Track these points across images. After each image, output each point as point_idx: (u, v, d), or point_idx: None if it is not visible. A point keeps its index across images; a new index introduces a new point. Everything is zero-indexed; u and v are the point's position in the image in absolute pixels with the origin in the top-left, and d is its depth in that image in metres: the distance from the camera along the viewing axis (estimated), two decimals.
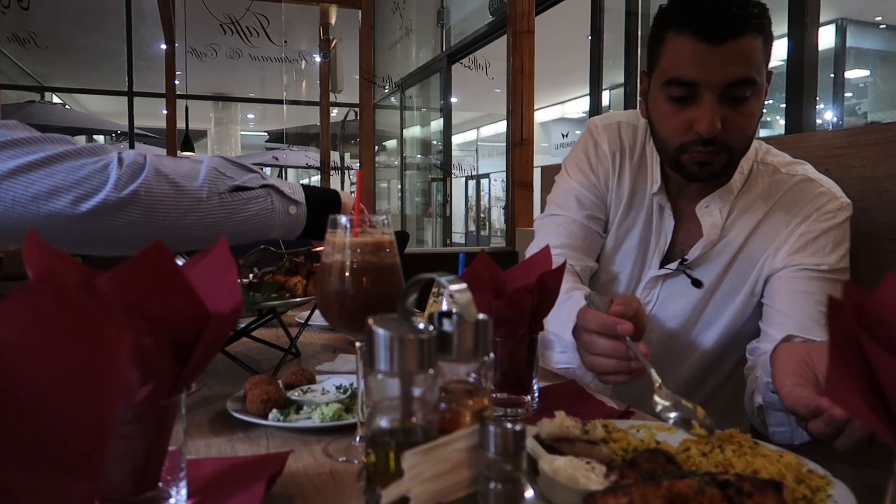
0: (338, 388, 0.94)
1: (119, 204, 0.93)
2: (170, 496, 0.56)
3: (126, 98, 9.02)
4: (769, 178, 1.15)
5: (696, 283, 1.15)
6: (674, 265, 1.18)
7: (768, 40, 1.03)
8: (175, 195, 0.98)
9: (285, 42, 8.77)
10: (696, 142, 1.04)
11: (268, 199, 1.05)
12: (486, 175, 13.69)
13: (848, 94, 7.50)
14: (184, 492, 0.58)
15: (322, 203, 1.10)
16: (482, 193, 13.95)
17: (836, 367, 0.39)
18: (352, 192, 1.10)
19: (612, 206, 1.25)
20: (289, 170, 15.22)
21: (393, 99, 8.45)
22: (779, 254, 1.12)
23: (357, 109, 7.75)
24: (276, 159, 12.04)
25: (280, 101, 10.51)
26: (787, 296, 1.10)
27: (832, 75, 6.88)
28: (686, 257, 1.16)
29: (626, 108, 4.52)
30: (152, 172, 0.96)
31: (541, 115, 12.12)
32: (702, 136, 1.02)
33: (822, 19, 2.79)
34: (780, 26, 3.26)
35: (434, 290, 0.98)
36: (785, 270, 1.11)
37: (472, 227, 13.93)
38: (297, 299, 1.21)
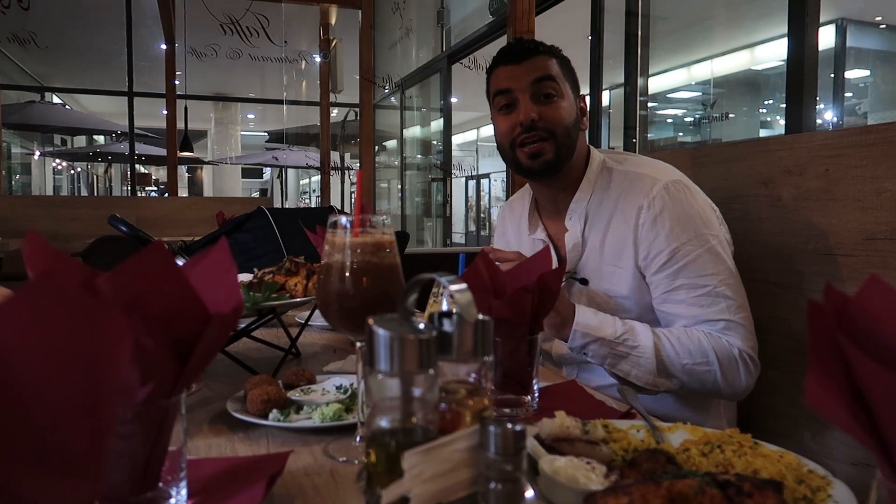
0: (338, 388, 0.94)
1: None
2: (170, 496, 0.56)
3: (126, 98, 9.02)
4: (609, 179, 1.32)
5: (583, 282, 1.31)
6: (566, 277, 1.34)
7: (564, 65, 1.31)
8: None
9: (285, 42, 8.76)
10: (521, 133, 1.27)
11: None
12: (486, 175, 13.68)
13: (848, 94, 7.48)
14: (184, 492, 0.58)
15: None
16: (482, 193, 13.93)
17: (816, 371, 0.38)
18: (352, 192, 1.08)
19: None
20: (289, 170, 15.21)
21: (393, 99, 8.43)
22: (639, 252, 1.23)
23: (357, 109, 7.75)
24: (276, 159, 12.04)
25: (280, 102, 10.51)
26: (661, 300, 1.22)
27: (832, 75, 6.87)
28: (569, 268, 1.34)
29: (625, 107, 4.54)
30: None
31: None
32: (523, 125, 1.26)
33: (822, 19, 2.78)
34: (780, 26, 3.26)
35: (434, 290, 0.99)
36: (649, 275, 1.22)
37: (473, 227, 13.93)
38: (297, 299, 1.21)
